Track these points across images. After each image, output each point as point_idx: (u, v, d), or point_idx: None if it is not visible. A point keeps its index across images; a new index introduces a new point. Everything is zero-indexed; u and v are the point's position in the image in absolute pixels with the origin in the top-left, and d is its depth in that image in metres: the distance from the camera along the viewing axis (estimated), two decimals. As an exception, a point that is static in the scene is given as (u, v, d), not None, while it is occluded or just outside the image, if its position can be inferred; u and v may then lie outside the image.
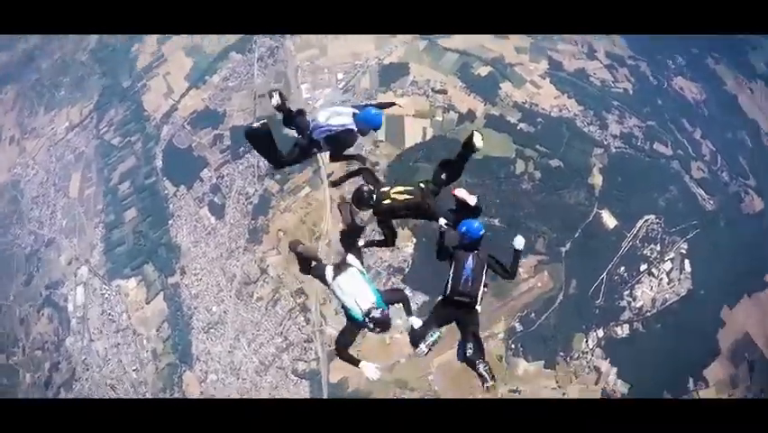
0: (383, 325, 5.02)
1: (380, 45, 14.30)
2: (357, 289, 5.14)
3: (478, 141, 5.63)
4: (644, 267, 13.96)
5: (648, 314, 13.70)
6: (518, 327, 13.26)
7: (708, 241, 14.49)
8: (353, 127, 5.26)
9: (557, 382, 13.36)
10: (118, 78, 19.61)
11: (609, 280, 13.58)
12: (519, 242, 5.15)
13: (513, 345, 13.02)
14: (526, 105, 14.11)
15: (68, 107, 20.42)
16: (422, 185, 5.84)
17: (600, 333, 13.50)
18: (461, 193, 5.61)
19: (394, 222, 6.21)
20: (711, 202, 14.87)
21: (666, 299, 13.87)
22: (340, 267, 5.42)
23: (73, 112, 20.22)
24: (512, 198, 13.09)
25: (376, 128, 5.50)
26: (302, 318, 13.83)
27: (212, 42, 17.30)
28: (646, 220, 14.16)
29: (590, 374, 13.44)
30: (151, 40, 19.43)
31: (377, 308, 4.96)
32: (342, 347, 5.22)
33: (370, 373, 5.08)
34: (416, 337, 5.31)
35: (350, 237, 5.79)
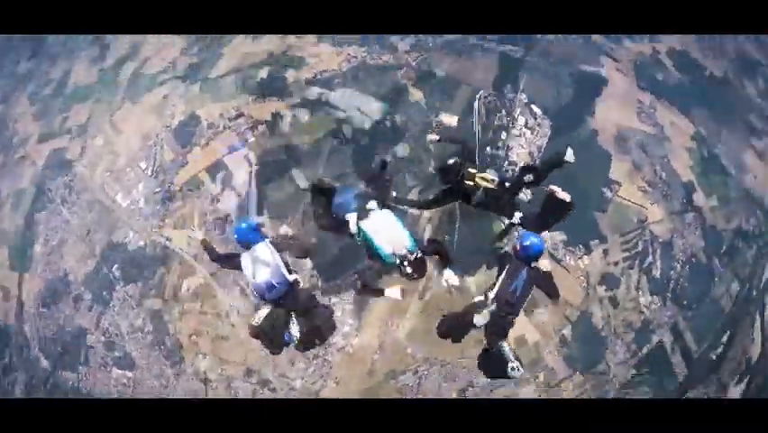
0: (421, 268, 4.85)
1: (160, 112, 13.60)
2: (389, 229, 4.89)
3: (569, 156, 5.92)
4: (504, 135, 14.61)
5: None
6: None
7: (535, 79, 15.43)
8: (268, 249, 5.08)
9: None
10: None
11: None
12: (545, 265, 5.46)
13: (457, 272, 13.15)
14: (318, 77, 14.14)
15: None
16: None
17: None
18: (556, 189, 5.87)
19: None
20: (515, 49, 15.95)
21: (539, 145, 14.64)
22: (365, 213, 5.16)
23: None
24: (362, 162, 13.13)
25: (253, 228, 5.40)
26: (267, 391, 13.04)
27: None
28: (479, 98, 14.85)
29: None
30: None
31: (411, 253, 4.73)
32: (368, 287, 5.19)
33: (395, 295, 5.16)
34: (491, 363, 5.10)
35: (380, 186, 5.57)
